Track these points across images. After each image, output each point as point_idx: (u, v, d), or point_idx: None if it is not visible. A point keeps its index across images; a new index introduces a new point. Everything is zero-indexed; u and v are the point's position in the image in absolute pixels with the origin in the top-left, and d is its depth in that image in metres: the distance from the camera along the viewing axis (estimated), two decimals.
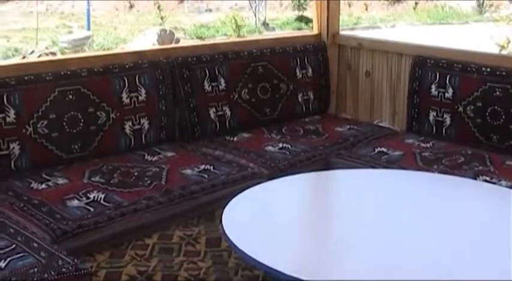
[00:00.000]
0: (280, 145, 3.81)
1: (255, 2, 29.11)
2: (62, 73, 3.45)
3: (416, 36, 19.71)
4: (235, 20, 18.35)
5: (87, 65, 3.58)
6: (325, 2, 4.74)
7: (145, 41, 18.15)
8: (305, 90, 4.56)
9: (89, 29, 23.46)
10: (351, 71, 4.82)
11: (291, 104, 4.48)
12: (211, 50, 4.16)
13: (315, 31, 4.86)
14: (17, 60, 3.79)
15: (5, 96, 3.25)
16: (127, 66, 3.68)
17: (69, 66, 3.54)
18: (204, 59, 4.02)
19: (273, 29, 27.60)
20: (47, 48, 19.30)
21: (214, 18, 33.90)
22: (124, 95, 3.63)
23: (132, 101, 3.67)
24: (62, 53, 18.63)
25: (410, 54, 4.34)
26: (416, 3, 44.29)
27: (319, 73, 4.66)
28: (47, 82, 3.40)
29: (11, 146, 3.27)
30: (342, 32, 4.95)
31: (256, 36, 17.36)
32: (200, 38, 22.84)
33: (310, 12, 29.80)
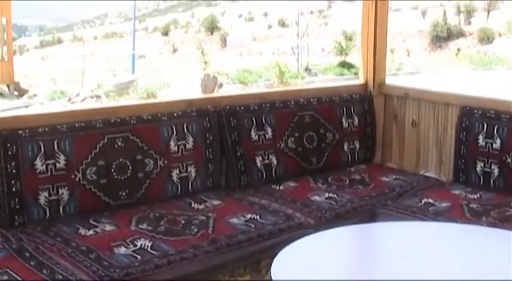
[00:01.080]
0: (326, 195, 3.79)
1: (298, 48, 29.38)
2: (112, 120, 3.51)
3: (460, 82, 19.65)
4: (279, 67, 18.43)
5: (136, 113, 3.63)
6: (372, 51, 4.76)
7: (189, 85, 18.38)
8: (351, 139, 4.56)
9: (133, 72, 23.88)
10: (396, 120, 4.80)
11: (337, 153, 4.47)
12: (259, 99, 4.19)
13: (361, 80, 4.87)
14: (68, 107, 3.88)
15: (55, 143, 3.31)
16: (175, 115, 3.73)
17: (118, 113, 3.59)
18: (251, 108, 4.06)
19: (316, 74, 27.78)
20: (92, 91, 19.63)
21: (256, 63, 34.28)
22: (172, 143, 3.67)
23: (180, 148, 3.70)
24: (107, 96, 18.94)
25: (457, 104, 4.32)
26: (458, 49, 44.16)
27: (365, 122, 4.66)
28: (97, 129, 3.45)
29: (60, 191, 3.31)
30: (387, 81, 4.95)
31: (302, 86, 17.46)
32: (243, 83, 23.04)
33: (352, 57, 30.00)
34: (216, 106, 3.93)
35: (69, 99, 18.49)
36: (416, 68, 31.44)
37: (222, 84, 19.79)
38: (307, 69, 28.40)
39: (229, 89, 19.66)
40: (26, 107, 18.46)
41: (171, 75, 25.31)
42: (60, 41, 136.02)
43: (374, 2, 4.67)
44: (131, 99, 18.79)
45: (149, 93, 18.80)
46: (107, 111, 3.64)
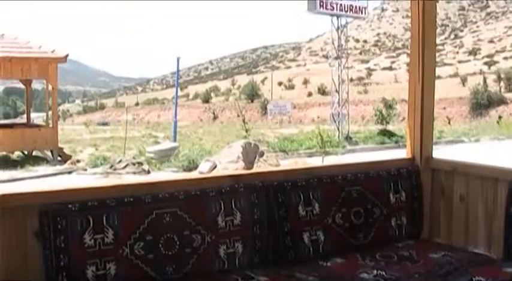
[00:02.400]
0: (375, 272, 3.74)
1: (338, 116, 29.45)
2: (160, 196, 3.52)
3: (503, 152, 19.42)
4: (321, 136, 18.46)
5: (184, 188, 3.64)
6: (419, 126, 4.74)
7: (230, 153, 18.44)
8: (398, 214, 4.52)
9: (175, 139, 24.09)
10: (444, 195, 4.75)
11: (384, 229, 4.43)
12: (306, 174, 4.18)
13: (408, 155, 4.84)
14: (116, 181, 3.90)
15: (104, 217, 3.33)
16: (223, 190, 3.73)
17: (166, 188, 3.61)
18: (299, 184, 4.05)
19: (356, 142, 27.75)
20: (134, 157, 19.81)
21: (297, 131, 34.41)
22: (219, 219, 3.67)
23: (227, 224, 3.70)
24: (149, 163, 19.10)
25: (506, 179, 4.26)
26: (500, 117, 43.86)
27: (412, 197, 4.62)
28: (145, 204, 3.47)
29: (108, 266, 3.33)
30: (434, 155, 4.92)
31: (350, 160, 17.52)
32: (283, 151, 23.10)
33: (392, 125, 29.82)
34: (264, 181, 3.93)
35: (111, 166, 18.66)
36: (457, 136, 31.25)
37: (264, 152, 19.83)
38: (347, 138, 28.37)
39: (270, 157, 19.68)
40: (69, 172, 18.68)
41: (212, 143, 25.50)
42: (102, 107, 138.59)
43: (421, 70, 4.67)
44: (172, 167, 18.92)
45: (190, 161, 18.91)
46: (155, 186, 3.66)
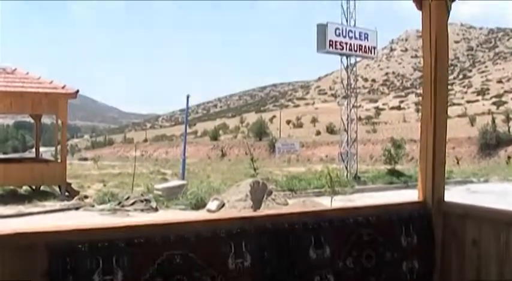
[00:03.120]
0: None
1: (347, 155, 29.45)
2: (171, 237, 3.49)
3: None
4: (330, 176, 18.42)
5: (195, 229, 3.61)
6: (430, 168, 4.71)
7: (239, 192, 18.43)
8: (410, 258, 4.46)
9: (183, 177, 24.08)
10: (456, 239, 4.69)
11: (395, 273, 4.37)
12: (317, 217, 4.15)
13: (420, 198, 4.80)
14: (126, 221, 3.85)
15: (114, 259, 3.29)
16: (234, 232, 3.70)
17: (177, 229, 3.58)
18: (310, 226, 4.01)
19: (365, 182, 27.72)
20: (142, 194, 19.81)
21: (305, 170, 34.39)
22: (230, 261, 3.63)
23: (238, 266, 3.65)
24: (157, 201, 19.09)
25: None
26: (509, 157, 43.66)
27: (424, 241, 4.57)
28: (156, 246, 3.43)
29: None
30: (446, 198, 4.88)
31: (361, 203, 17.51)
32: (291, 190, 23.09)
33: (401, 165, 29.75)
34: (274, 223, 3.90)
35: (119, 203, 18.66)
36: (466, 177, 31.19)
37: (272, 191, 19.80)
38: (356, 177, 28.33)
39: (278, 196, 19.64)
40: (77, 208, 18.67)
41: (220, 181, 25.48)
42: (111, 143, 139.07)
43: (433, 110, 4.66)
44: (181, 204, 18.90)
45: (198, 199, 18.88)
46: (166, 227, 3.63)
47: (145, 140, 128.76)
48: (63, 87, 22.39)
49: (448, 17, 4.73)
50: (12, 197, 21.02)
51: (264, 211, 18.07)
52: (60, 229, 3.48)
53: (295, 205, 18.72)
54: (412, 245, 4.49)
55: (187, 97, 26.06)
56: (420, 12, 4.74)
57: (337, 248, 4.07)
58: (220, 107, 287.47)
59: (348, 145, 29.89)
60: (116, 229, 3.56)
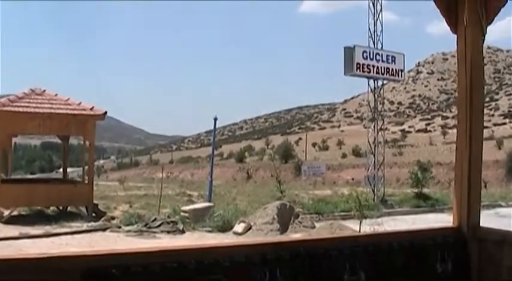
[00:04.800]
0: None
1: (374, 178, 29.27)
2: (205, 262, 3.45)
3: None
4: (359, 199, 18.30)
5: (229, 254, 3.57)
6: (466, 192, 4.63)
7: (266, 215, 18.37)
8: None
9: (210, 199, 24.04)
10: (493, 265, 4.60)
11: None
12: (351, 242, 4.10)
13: (454, 223, 4.72)
14: (160, 246, 3.84)
15: None
16: (268, 257, 3.65)
17: (211, 254, 3.54)
18: (345, 252, 3.96)
19: (392, 206, 27.51)
20: (168, 216, 19.83)
21: (331, 193, 34.22)
22: None
23: None
24: (183, 223, 19.07)
25: None
26: None
27: (459, 267, 4.49)
28: (190, 271, 3.39)
29: None
30: (482, 224, 4.79)
31: (394, 229, 17.40)
32: (318, 213, 22.98)
33: (428, 189, 29.53)
34: (308, 249, 3.85)
35: (146, 224, 18.66)
36: (494, 200, 30.87)
37: (299, 214, 19.72)
38: (383, 201, 28.15)
39: (305, 219, 19.54)
40: (104, 230, 18.69)
41: (246, 203, 25.43)
42: (137, 164, 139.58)
43: (468, 134, 4.59)
44: (207, 227, 18.86)
45: (225, 221, 18.84)
46: (200, 252, 3.60)
47: (171, 162, 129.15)
48: (91, 109, 22.51)
49: (484, 40, 4.68)
50: (40, 218, 21.11)
51: (292, 235, 17.99)
52: (93, 253, 3.46)
53: (322, 228, 18.62)
54: (447, 272, 4.41)
55: (215, 119, 26.09)
56: (455, 36, 4.69)
57: (372, 274, 4.00)
58: (246, 129, 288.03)
59: (374, 168, 29.73)
60: (149, 253, 3.53)
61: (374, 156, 30.09)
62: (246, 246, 3.90)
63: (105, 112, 22.71)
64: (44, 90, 23.31)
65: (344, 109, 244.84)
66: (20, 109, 21.46)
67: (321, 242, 4.09)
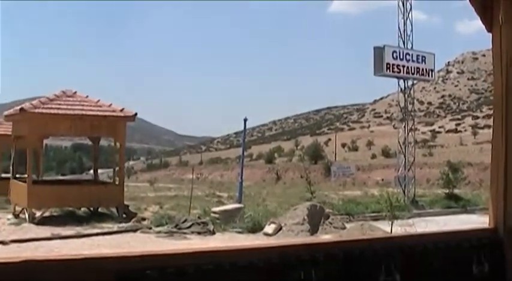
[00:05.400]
0: None
1: (405, 179, 29.10)
2: (240, 263, 3.43)
3: None
4: (390, 200, 18.17)
5: (265, 255, 3.55)
6: (502, 193, 4.57)
7: (296, 216, 18.33)
8: None
9: (240, 200, 24.03)
10: None
11: None
12: (387, 243, 4.06)
13: (490, 225, 4.66)
14: (195, 247, 3.81)
15: None
16: (303, 259, 3.62)
17: (246, 255, 3.52)
18: (380, 253, 3.91)
19: (422, 206, 27.32)
20: (199, 217, 19.86)
21: (361, 193, 34.07)
22: None
23: None
24: (213, 223, 19.09)
25: None
26: None
27: (496, 269, 4.42)
28: (225, 272, 3.37)
29: None
30: None
31: (429, 230, 17.27)
32: (348, 214, 22.88)
33: (459, 189, 29.27)
34: (344, 250, 3.81)
35: (176, 225, 18.70)
36: None
37: (329, 215, 19.66)
38: (413, 201, 27.96)
39: (336, 220, 19.48)
40: (134, 230, 18.78)
41: (276, 204, 25.40)
42: (166, 165, 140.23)
43: (504, 133, 4.52)
44: (237, 228, 18.87)
45: (255, 223, 18.84)
46: (235, 253, 3.58)
47: (201, 163, 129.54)
48: (121, 110, 22.62)
49: None
50: (71, 219, 21.25)
51: (322, 236, 17.94)
52: (128, 254, 3.45)
53: (352, 229, 18.53)
54: (484, 274, 4.35)
55: (245, 120, 26.10)
56: (486, 35, 4.63)
57: (407, 275, 3.96)
58: (275, 130, 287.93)
59: (405, 169, 29.55)
60: (184, 255, 3.52)
61: (404, 156, 29.91)
62: (280, 247, 3.88)
63: (135, 113, 22.81)
64: (75, 92, 23.47)
65: (373, 109, 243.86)
66: (52, 111, 21.64)
67: (356, 243, 4.06)
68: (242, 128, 27.39)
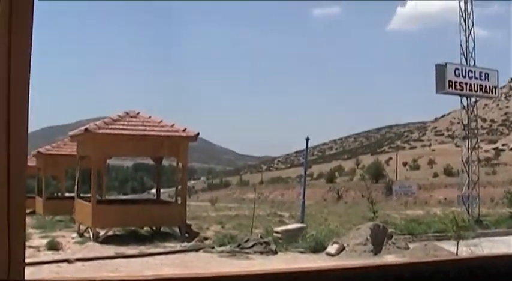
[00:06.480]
0: None
1: (469, 198, 28.61)
2: None
3: None
4: (456, 220, 17.86)
5: (328, 278, 3.52)
6: None
7: (359, 235, 18.18)
8: None
9: (302, 220, 23.97)
10: None
11: None
12: (457, 265, 3.99)
13: None
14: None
15: None
16: None
17: (310, 278, 3.51)
18: (451, 275, 3.85)
19: (487, 226, 26.77)
20: (261, 236, 19.85)
21: (423, 213, 33.62)
22: None
23: None
24: (276, 243, 19.06)
25: None
26: None
27: None
28: None
29: None
30: None
31: (486, 249, 16.99)
32: (411, 233, 22.58)
33: None
34: (413, 272, 3.77)
35: (239, 245, 18.73)
36: None
37: (392, 235, 19.44)
38: (477, 221, 27.45)
39: (399, 240, 19.26)
40: (197, 250, 18.87)
41: (338, 223, 25.24)
42: (227, 185, 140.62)
43: None
44: (300, 247, 18.80)
45: (317, 242, 18.75)
46: (297, 276, 3.57)
47: (261, 182, 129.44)
48: (184, 131, 22.82)
49: None
50: (134, 238, 21.48)
51: (386, 256, 17.75)
52: (196, 275, 3.47)
53: (416, 249, 18.29)
54: None
55: (307, 140, 26.07)
56: None
57: None
58: (336, 149, 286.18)
59: (468, 187, 29.07)
60: (251, 277, 3.53)
61: (468, 175, 29.44)
62: (346, 269, 3.85)
63: (198, 134, 22.98)
64: (138, 113, 23.78)
65: (435, 128, 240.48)
66: (115, 132, 21.97)
67: (425, 266, 4.00)
68: (302, 147, 27.37)
